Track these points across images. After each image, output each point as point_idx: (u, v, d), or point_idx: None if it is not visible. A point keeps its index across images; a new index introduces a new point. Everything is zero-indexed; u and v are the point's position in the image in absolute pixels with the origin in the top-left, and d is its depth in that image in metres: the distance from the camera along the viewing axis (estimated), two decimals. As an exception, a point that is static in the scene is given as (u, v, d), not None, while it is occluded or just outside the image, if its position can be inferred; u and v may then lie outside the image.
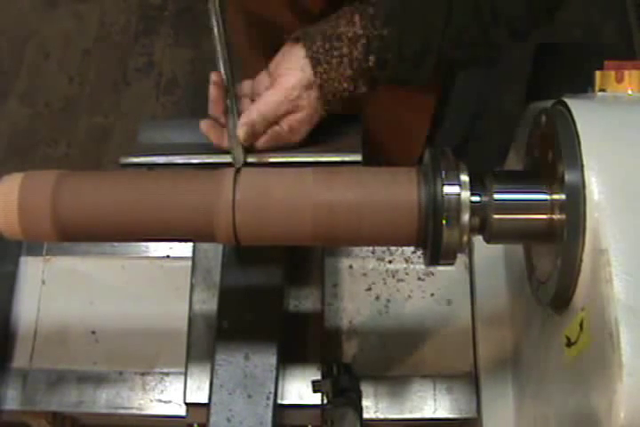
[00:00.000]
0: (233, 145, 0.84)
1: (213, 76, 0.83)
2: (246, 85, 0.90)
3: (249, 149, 0.84)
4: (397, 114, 1.26)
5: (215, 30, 0.83)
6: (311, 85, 0.84)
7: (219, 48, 0.83)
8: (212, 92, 0.84)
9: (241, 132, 0.83)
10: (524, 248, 0.82)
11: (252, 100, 0.87)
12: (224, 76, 0.84)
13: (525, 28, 0.88)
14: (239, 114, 0.85)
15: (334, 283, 1.04)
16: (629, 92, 0.75)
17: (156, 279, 1.06)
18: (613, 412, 0.60)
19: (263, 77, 0.89)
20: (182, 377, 0.92)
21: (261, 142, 0.85)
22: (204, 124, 0.86)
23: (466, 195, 0.70)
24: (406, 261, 1.05)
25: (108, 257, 1.07)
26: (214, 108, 0.85)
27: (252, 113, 0.84)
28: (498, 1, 0.84)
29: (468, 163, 0.72)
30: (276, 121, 0.85)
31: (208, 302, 0.95)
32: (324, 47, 0.84)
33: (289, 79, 0.84)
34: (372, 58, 0.84)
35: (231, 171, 0.75)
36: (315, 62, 0.84)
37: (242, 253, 0.93)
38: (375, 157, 0.88)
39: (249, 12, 1.21)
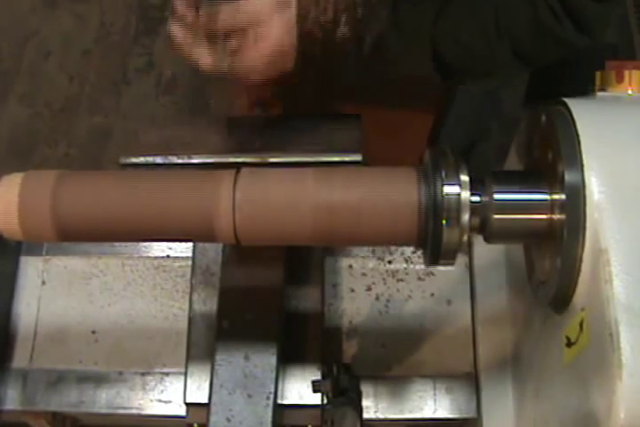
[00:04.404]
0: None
1: None
2: None
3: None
4: (393, 137, 1.24)
5: None
6: (289, 3, 0.80)
7: None
8: None
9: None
10: (524, 248, 0.82)
11: None
12: None
13: (530, 49, 0.87)
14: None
15: (334, 283, 1.04)
16: (629, 92, 0.75)
17: (156, 279, 1.06)
18: (613, 412, 0.60)
19: None
20: (182, 377, 0.92)
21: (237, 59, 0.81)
22: (174, 27, 0.83)
23: (466, 195, 0.69)
24: (406, 261, 1.05)
25: (108, 257, 1.07)
26: (179, 6, 0.82)
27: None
28: (502, 17, 0.83)
29: (469, 163, 0.72)
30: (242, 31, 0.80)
31: (208, 302, 0.95)
32: None
33: None
34: None
35: (231, 171, 0.75)
36: None
37: (242, 253, 0.93)
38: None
39: None
